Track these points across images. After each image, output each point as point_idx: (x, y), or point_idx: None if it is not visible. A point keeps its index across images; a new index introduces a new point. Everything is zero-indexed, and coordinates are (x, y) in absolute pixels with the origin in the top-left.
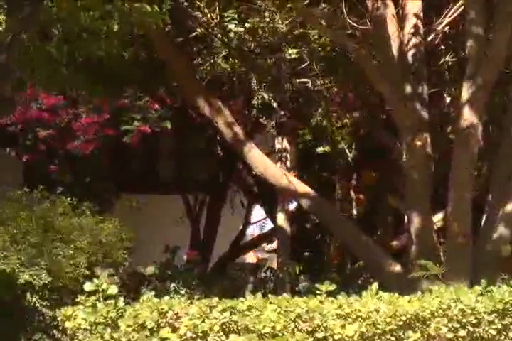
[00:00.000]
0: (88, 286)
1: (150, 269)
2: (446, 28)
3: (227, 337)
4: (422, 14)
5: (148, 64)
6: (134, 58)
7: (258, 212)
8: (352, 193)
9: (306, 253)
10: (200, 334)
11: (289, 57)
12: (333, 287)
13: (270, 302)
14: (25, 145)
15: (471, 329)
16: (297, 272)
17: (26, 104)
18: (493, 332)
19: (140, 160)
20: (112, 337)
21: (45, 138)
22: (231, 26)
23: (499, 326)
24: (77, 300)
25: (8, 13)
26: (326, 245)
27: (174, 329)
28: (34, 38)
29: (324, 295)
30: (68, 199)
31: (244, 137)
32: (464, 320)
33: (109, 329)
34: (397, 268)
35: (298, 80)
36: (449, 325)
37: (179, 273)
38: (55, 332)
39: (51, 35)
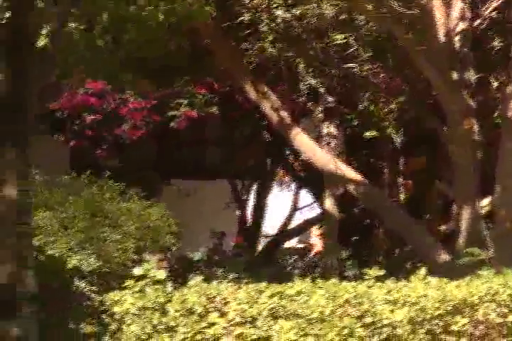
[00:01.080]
0: (137, 271)
1: (198, 254)
2: (494, 13)
3: (276, 322)
4: None
5: (194, 50)
6: (180, 45)
7: (305, 197)
8: (400, 178)
9: (354, 238)
10: (249, 319)
11: (335, 42)
12: (381, 272)
13: (318, 287)
14: (73, 131)
15: None
16: (345, 257)
17: (73, 89)
18: None
19: (187, 146)
20: (160, 322)
21: (92, 124)
22: (278, 12)
23: None
24: (126, 285)
25: (54, 1)
26: (374, 230)
27: (222, 314)
28: (79, 27)
29: (372, 280)
30: (116, 184)
31: (291, 122)
32: None
33: (157, 314)
34: (445, 253)
35: (345, 65)
36: (498, 310)
37: (227, 258)
38: (103, 317)
39: (95, 24)
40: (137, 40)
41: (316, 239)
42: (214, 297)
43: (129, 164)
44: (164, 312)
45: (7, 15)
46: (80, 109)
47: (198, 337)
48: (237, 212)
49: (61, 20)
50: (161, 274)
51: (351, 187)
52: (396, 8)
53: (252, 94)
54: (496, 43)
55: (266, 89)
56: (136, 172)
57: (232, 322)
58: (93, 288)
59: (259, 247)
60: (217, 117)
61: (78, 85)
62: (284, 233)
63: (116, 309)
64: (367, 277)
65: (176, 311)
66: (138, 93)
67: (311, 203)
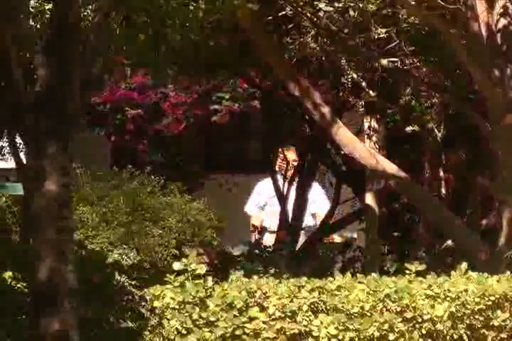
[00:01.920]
0: (177, 266)
1: (239, 249)
2: None
3: (316, 317)
4: None
5: (236, 44)
6: (221, 40)
7: (347, 192)
8: (441, 173)
9: (395, 233)
10: (289, 314)
11: (377, 36)
12: (422, 267)
13: (359, 282)
14: (114, 125)
15: None
16: (386, 252)
17: (115, 83)
18: None
19: (229, 140)
20: (201, 317)
21: (134, 118)
22: (321, 5)
23: None
24: (166, 279)
25: None
26: (415, 225)
27: (263, 309)
28: (120, 21)
29: (413, 275)
30: (157, 178)
31: (332, 117)
32: None
33: (197, 309)
34: (486, 248)
35: (387, 60)
36: None
37: (268, 253)
38: (143, 311)
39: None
40: (178, 35)
41: (356, 233)
42: (254, 291)
43: (170, 158)
44: (204, 307)
45: (48, 7)
46: (122, 103)
47: (238, 331)
48: (279, 207)
49: (103, 13)
50: (202, 269)
51: (392, 182)
52: (439, 3)
53: (294, 88)
54: None
55: (308, 84)
56: (178, 166)
57: (272, 317)
58: (133, 282)
59: (300, 242)
60: (258, 111)
61: (120, 79)
62: (325, 228)
63: (156, 304)
64: (407, 272)
65: (216, 306)
66: (179, 87)
67: (352, 198)
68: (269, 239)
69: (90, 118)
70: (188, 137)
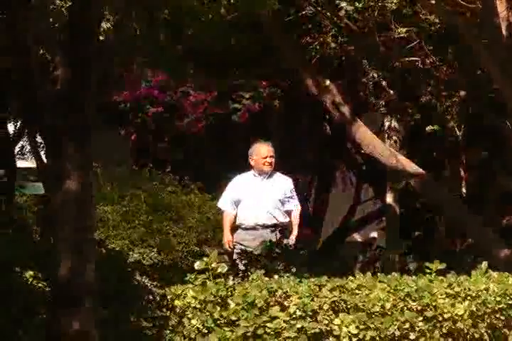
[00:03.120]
0: (198, 265)
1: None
2: None
3: (337, 316)
4: None
5: (256, 43)
6: (242, 39)
7: (367, 191)
8: (461, 172)
9: (415, 232)
10: (310, 313)
11: (398, 36)
12: (442, 266)
13: (379, 281)
14: (135, 124)
15: None
16: (406, 251)
17: (135, 82)
18: None
19: (248, 139)
20: (222, 316)
21: (154, 116)
22: (342, 4)
23: None
24: (187, 278)
25: None
26: (435, 224)
27: (283, 308)
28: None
29: (434, 274)
30: (177, 177)
31: (352, 116)
32: None
33: (218, 308)
34: (506, 247)
35: (407, 59)
36: None
37: (288, 252)
38: (164, 310)
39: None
40: (198, 33)
41: (377, 233)
42: (275, 291)
43: (190, 157)
44: (225, 306)
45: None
46: (142, 102)
47: (259, 331)
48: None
49: (122, 12)
50: (222, 268)
51: (413, 181)
52: (458, 2)
53: (314, 87)
54: None
55: (328, 83)
56: (198, 165)
57: (293, 316)
58: (154, 282)
59: (321, 241)
60: (278, 110)
61: (140, 78)
62: (346, 227)
63: (177, 303)
64: (428, 271)
65: (237, 305)
66: (199, 86)
67: (373, 197)
68: (240, 237)
69: (111, 117)
70: (208, 135)
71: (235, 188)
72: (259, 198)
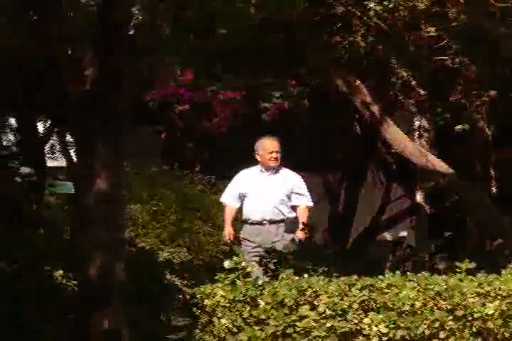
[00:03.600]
0: (227, 264)
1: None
2: None
3: (366, 315)
4: None
5: (286, 42)
6: (270, 39)
7: (396, 190)
8: (491, 171)
9: (445, 232)
10: (339, 312)
11: (427, 35)
12: (472, 265)
13: (409, 280)
14: (164, 122)
15: None
16: (436, 250)
17: (165, 80)
18: None
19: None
20: (251, 315)
21: (183, 115)
22: (371, 4)
23: None
24: (216, 277)
25: None
26: (465, 223)
27: (313, 307)
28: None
29: (463, 273)
30: (206, 176)
31: (382, 115)
32: None
33: (248, 307)
34: None
35: (436, 58)
36: None
37: (318, 251)
38: (194, 309)
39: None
40: (227, 33)
41: (406, 232)
42: (305, 290)
43: (219, 155)
44: (255, 305)
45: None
46: (171, 100)
47: (289, 330)
48: (328, 205)
49: (151, 11)
50: (252, 267)
51: (442, 180)
52: (488, 0)
53: (344, 87)
54: None
55: (357, 82)
56: (227, 163)
57: (322, 315)
58: (184, 281)
59: (350, 240)
60: (307, 109)
61: (169, 77)
62: (375, 226)
63: (207, 302)
64: (458, 270)
65: (267, 304)
66: (228, 85)
67: (401, 196)
68: (247, 231)
69: (140, 116)
70: (236, 134)
71: (240, 183)
72: (265, 193)
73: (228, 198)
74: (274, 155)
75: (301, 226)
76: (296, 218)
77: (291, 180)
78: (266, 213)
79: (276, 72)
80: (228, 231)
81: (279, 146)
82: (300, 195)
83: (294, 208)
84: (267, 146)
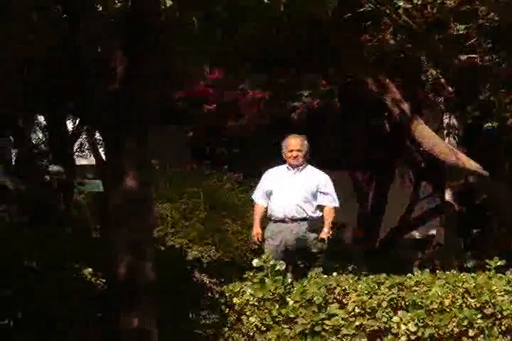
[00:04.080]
0: (256, 262)
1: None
2: None
3: (395, 313)
4: None
5: (315, 41)
6: (299, 37)
7: (425, 188)
8: None
9: (474, 230)
10: (368, 310)
11: (456, 33)
12: (501, 263)
13: (438, 278)
14: (192, 121)
15: None
16: (465, 248)
17: (193, 80)
18: None
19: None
20: (280, 313)
21: (211, 114)
22: (400, 3)
23: None
24: (245, 276)
25: None
26: (494, 221)
27: (342, 305)
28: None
29: (493, 271)
30: (235, 175)
31: (412, 114)
32: None
33: (276, 305)
34: None
35: (466, 56)
36: None
37: (347, 250)
38: (222, 308)
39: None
40: (256, 31)
41: (435, 230)
42: (334, 288)
43: (247, 154)
44: (284, 304)
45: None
46: (199, 100)
47: (318, 328)
48: (358, 203)
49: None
50: (280, 265)
51: (471, 179)
52: None
53: (373, 85)
54: None
55: (386, 81)
56: (255, 162)
57: (351, 313)
58: (213, 279)
59: (379, 238)
60: (337, 107)
61: (198, 76)
62: (404, 224)
63: (235, 300)
64: (487, 268)
65: (296, 302)
66: (257, 84)
67: (432, 194)
68: (270, 229)
69: (169, 115)
70: (264, 133)
71: (267, 180)
72: (288, 191)
73: (257, 196)
74: (294, 153)
75: (326, 227)
76: (321, 218)
77: (316, 179)
78: (288, 210)
79: (305, 70)
80: (256, 231)
81: (304, 145)
82: (325, 194)
83: (320, 208)
84: (288, 144)
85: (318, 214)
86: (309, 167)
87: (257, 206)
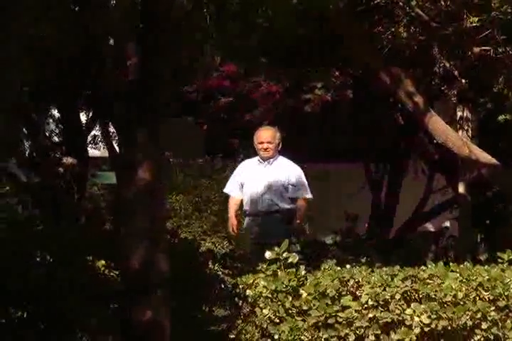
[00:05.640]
0: (269, 254)
1: (331, 238)
2: None
3: (409, 306)
4: None
5: (328, 33)
6: (313, 29)
7: (439, 180)
8: None
9: (488, 222)
10: (382, 303)
11: (470, 25)
12: None
13: (452, 271)
14: (206, 114)
15: None
16: (478, 240)
17: (207, 72)
18: None
19: (320, 129)
20: (293, 305)
21: (225, 107)
22: None
23: None
24: (258, 268)
25: None
26: (508, 214)
27: (355, 298)
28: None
29: (506, 264)
30: None
31: (425, 106)
32: None
33: (290, 298)
34: None
35: (479, 48)
36: None
37: (360, 242)
38: (236, 300)
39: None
40: (269, 24)
41: (449, 222)
42: (347, 280)
43: None
44: (297, 296)
45: None
46: (213, 92)
47: (331, 320)
48: (371, 196)
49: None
50: (294, 257)
51: (485, 171)
52: None
53: (386, 78)
54: None
55: (399, 73)
56: None
57: (365, 306)
58: (226, 271)
59: (393, 231)
60: (349, 100)
61: (212, 68)
62: (418, 217)
63: (249, 292)
64: (500, 261)
65: (309, 294)
66: (271, 77)
67: (445, 187)
68: (246, 223)
69: (183, 107)
70: (279, 126)
71: (240, 173)
72: (260, 184)
73: (230, 188)
74: (264, 145)
75: (298, 219)
76: (294, 209)
77: (287, 171)
78: (260, 204)
79: (318, 62)
80: (231, 222)
81: (275, 137)
82: (297, 186)
83: (292, 200)
84: (259, 136)
85: (291, 206)
86: (281, 159)
87: (231, 198)
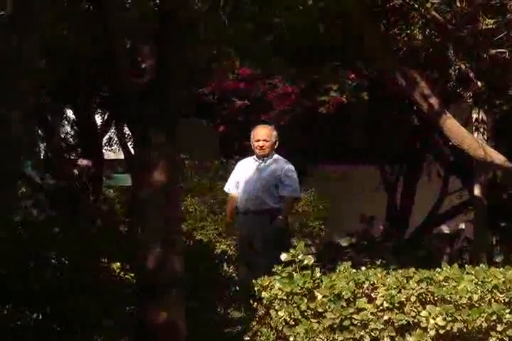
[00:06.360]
0: (285, 256)
1: (346, 240)
2: None
3: (424, 308)
4: None
5: (344, 35)
6: (329, 30)
7: (455, 182)
8: None
9: (503, 224)
10: (397, 305)
11: (485, 27)
12: None
13: (467, 273)
14: (222, 116)
15: None
16: (494, 243)
17: (223, 74)
18: None
19: (335, 130)
20: (308, 307)
21: (241, 109)
22: None
23: None
24: (274, 270)
25: None
26: None
27: (371, 300)
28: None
29: None
30: None
31: (440, 108)
32: None
33: (305, 300)
34: None
35: (494, 50)
36: None
37: (375, 244)
38: (251, 302)
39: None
40: (286, 25)
41: (464, 224)
42: (362, 282)
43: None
44: (312, 298)
45: None
46: (229, 94)
47: (346, 322)
48: (386, 197)
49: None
50: (309, 259)
51: (500, 173)
52: None
53: (401, 79)
54: None
55: (415, 75)
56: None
57: (380, 308)
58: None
59: (408, 232)
60: (365, 102)
61: (228, 70)
62: (433, 218)
63: (264, 294)
64: None
65: (324, 297)
66: (287, 78)
67: (460, 189)
68: (237, 221)
69: (198, 108)
70: (294, 128)
71: (236, 171)
72: (251, 183)
73: (229, 186)
74: (260, 143)
75: (282, 215)
76: (282, 209)
77: (279, 169)
78: (250, 203)
79: (334, 64)
80: (227, 220)
81: (271, 135)
82: (286, 184)
83: (282, 198)
84: (255, 134)
85: (280, 205)
86: (276, 157)
87: (231, 196)
